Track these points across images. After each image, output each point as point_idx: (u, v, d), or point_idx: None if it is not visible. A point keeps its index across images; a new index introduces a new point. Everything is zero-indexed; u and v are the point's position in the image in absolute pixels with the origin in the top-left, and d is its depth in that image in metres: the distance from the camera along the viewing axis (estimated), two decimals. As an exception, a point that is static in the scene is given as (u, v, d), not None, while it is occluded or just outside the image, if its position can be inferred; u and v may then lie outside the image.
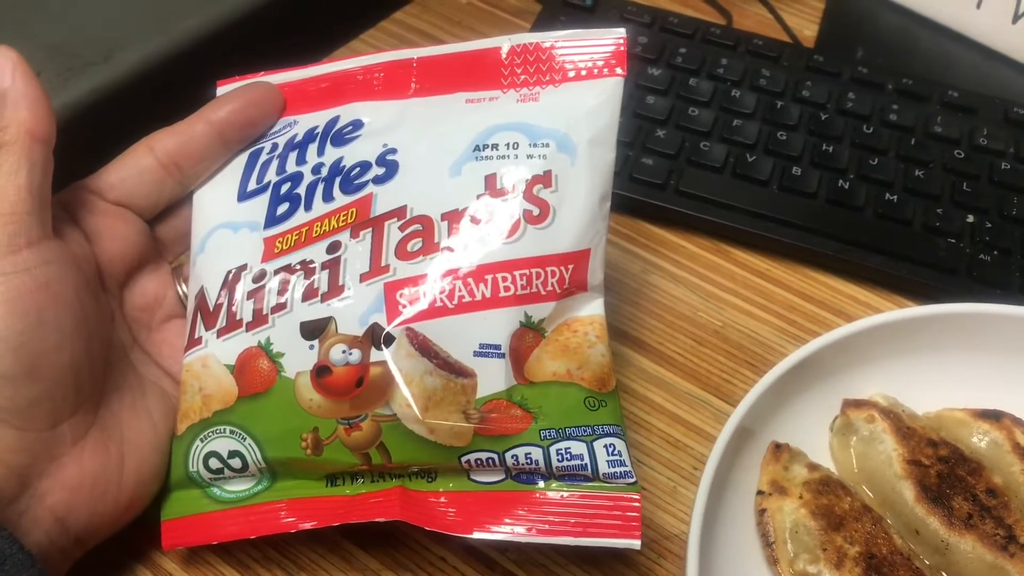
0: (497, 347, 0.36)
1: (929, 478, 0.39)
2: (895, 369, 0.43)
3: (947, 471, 0.39)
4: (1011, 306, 0.43)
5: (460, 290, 0.36)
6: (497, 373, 0.36)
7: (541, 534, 0.35)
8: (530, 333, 0.36)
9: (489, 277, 0.36)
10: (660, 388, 0.45)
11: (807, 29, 0.64)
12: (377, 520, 0.36)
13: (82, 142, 0.55)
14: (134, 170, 0.39)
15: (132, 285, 0.40)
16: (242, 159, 0.41)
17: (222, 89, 0.42)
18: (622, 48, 0.39)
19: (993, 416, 0.41)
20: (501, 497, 0.35)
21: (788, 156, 0.53)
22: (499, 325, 0.36)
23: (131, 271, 0.40)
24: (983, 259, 0.49)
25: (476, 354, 0.36)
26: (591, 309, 0.38)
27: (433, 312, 0.36)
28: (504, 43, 0.40)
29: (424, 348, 0.35)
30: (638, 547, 0.34)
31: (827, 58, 0.58)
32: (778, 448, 0.40)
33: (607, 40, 0.39)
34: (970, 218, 0.50)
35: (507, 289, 0.36)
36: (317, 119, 0.41)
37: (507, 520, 0.35)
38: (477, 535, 0.35)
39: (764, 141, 0.53)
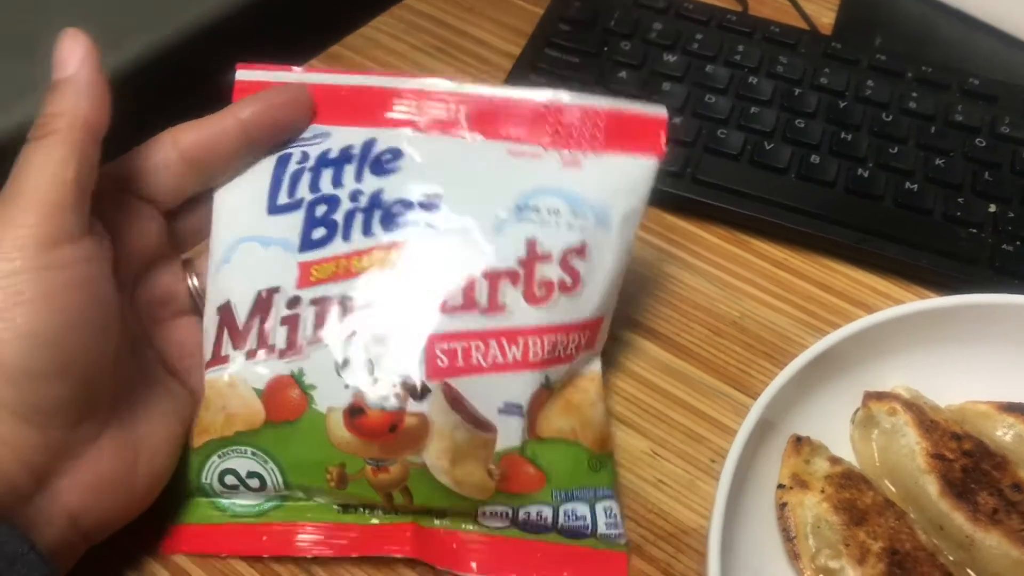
0: (519, 406, 0.37)
1: (953, 472, 0.38)
2: (917, 361, 0.42)
3: (971, 465, 0.38)
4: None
5: (495, 350, 0.37)
6: (515, 430, 0.37)
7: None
8: (546, 392, 0.38)
9: (522, 340, 0.37)
10: (677, 379, 0.44)
11: (824, 16, 0.63)
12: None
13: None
14: (158, 163, 0.38)
15: (146, 280, 0.39)
16: (269, 163, 0.40)
17: (242, 73, 0.41)
18: (662, 129, 0.40)
19: (1018, 409, 0.40)
20: (509, 542, 0.38)
21: (806, 144, 0.52)
22: (524, 386, 0.37)
23: (147, 265, 0.39)
24: (1006, 249, 0.48)
25: (500, 411, 0.37)
26: (591, 367, 0.40)
27: (469, 369, 0.37)
28: (550, 96, 0.40)
29: (455, 402, 0.37)
30: None
31: (845, 45, 0.57)
32: (799, 441, 0.39)
33: (649, 117, 0.40)
34: (992, 207, 0.50)
35: (536, 354, 0.37)
36: (352, 137, 0.40)
37: (512, 563, 0.37)
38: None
39: (782, 129, 0.53)
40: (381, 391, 0.36)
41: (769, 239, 0.50)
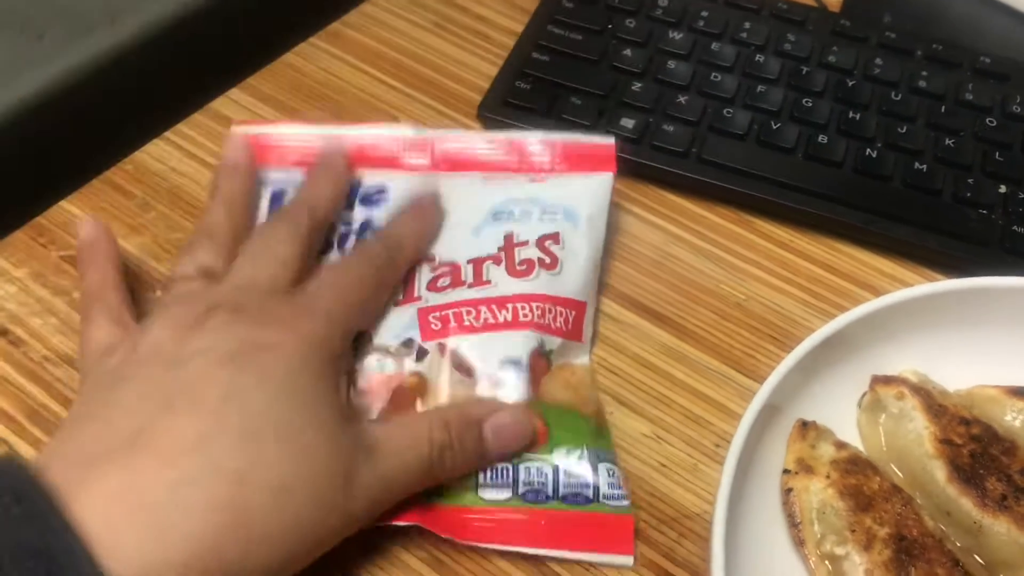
0: (518, 361, 0.40)
1: (961, 458, 0.37)
2: (925, 344, 0.41)
3: (980, 450, 0.37)
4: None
5: (485, 313, 0.41)
6: (519, 384, 0.39)
7: (543, 546, 0.37)
8: (543, 359, 0.41)
9: (510, 305, 0.41)
10: (681, 363, 0.44)
11: (833, -7, 0.62)
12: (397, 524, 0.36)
13: (89, 108, 0.54)
14: None
15: None
16: (265, 198, 0.44)
17: (236, 129, 0.45)
18: (612, 152, 0.46)
19: (1026, 394, 0.40)
20: (511, 512, 0.37)
21: (814, 124, 0.51)
22: (520, 343, 0.40)
23: None
24: (1016, 231, 0.47)
25: (501, 366, 0.40)
26: (583, 360, 0.43)
27: (462, 330, 0.40)
28: (518, 136, 0.46)
29: (454, 360, 0.40)
30: (631, 564, 0.37)
31: (854, 22, 0.56)
32: (805, 426, 0.39)
33: (601, 145, 0.46)
34: (1003, 188, 0.49)
35: (526, 316, 0.41)
36: None
37: (516, 533, 0.37)
38: (484, 545, 0.37)
39: (789, 108, 0.52)
40: (379, 356, 0.40)
41: (775, 220, 0.49)
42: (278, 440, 0.31)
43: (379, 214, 0.44)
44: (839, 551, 0.35)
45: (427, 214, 0.43)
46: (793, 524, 0.36)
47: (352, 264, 0.40)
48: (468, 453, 0.36)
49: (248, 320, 0.34)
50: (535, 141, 0.46)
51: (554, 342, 0.41)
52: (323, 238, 0.42)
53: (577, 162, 0.46)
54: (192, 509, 0.29)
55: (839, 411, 0.40)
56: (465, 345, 0.40)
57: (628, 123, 0.51)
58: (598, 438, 0.39)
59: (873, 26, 0.56)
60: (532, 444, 0.38)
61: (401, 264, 0.42)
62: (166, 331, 0.34)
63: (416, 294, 0.42)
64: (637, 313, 0.45)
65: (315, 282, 0.38)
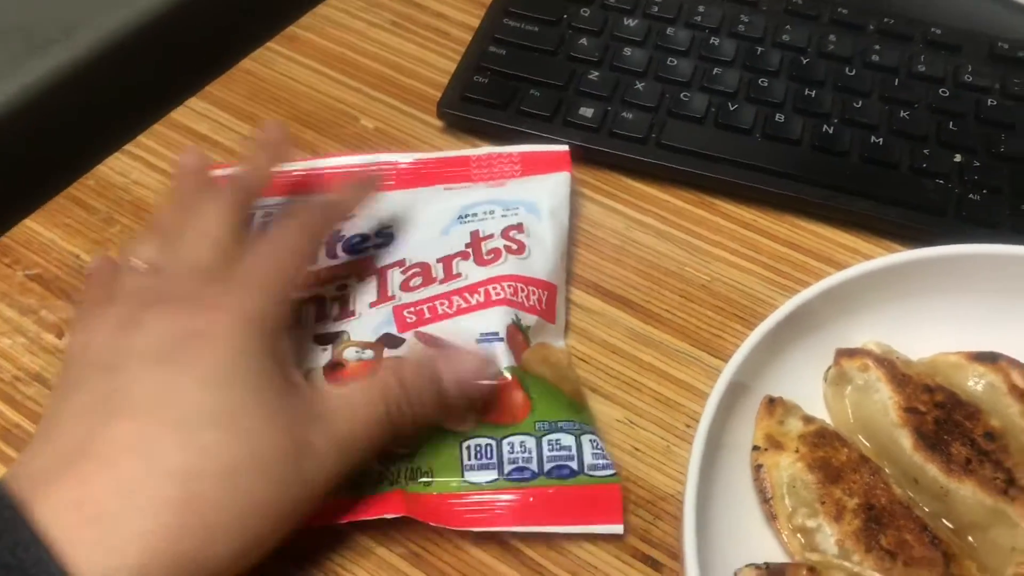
0: (496, 334, 0.40)
1: (926, 425, 0.38)
2: (888, 315, 0.42)
3: (944, 417, 0.38)
4: (1002, 245, 0.42)
5: (458, 301, 0.42)
6: (500, 353, 0.40)
7: (533, 524, 0.37)
8: (520, 334, 0.41)
9: (482, 289, 0.42)
10: (649, 347, 0.44)
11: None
12: (384, 516, 0.36)
13: (48, 124, 0.54)
14: None
15: None
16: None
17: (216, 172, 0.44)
18: (566, 155, 0.48)
19: (989, 358, 0.40)
20: (498, 493, 0.37)
21: (770, 103, 0.52)
22: (495, 318, 0.41)
23: None
24: (972, 199, 0.48)
25: (479, 341, 0.40)
26: (559, 343, 0.43)
27: (436, 318, 0.41)
28: (474, 152, 0.48)
29: (431, 342, 0.40)
30: (621, 532, 0.37)
31: (806, 1, 0.57)
32: (772, 402, 0.39)
33: (556, 151, 0.48)
34: (957, 158, 0.49)
35: (498, 295, 0.41)
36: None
37: (503, 515, 0.37)
38: (475, 529, 0.37)
39: (745, 89, 0.52)
40: (357, 347, 0.41)
41: (737, 200, 0.50)
42: (217, 427, 0.32)
43: (349, 226, 0.45)
44: (811, 523, 0.36)
45: (355, 183, 0.44)
46: (764, 500, 0.37)
47: (286, 233, 0.39)
48: (426, 402, 0.37)
49: (181, 309, 0.35)
50: (493, 155, 0.48)
51: (530, 319, 0.42)
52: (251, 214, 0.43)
53: (533, 167, 0.47)
54: (142, 511, 0.29)
55: (806, 386, 0.40)
56: (440, 329, 0.41)
57: (587, 112, 0.51)
58: (580, 412, 0.40)
59: (825, 3, 0.57)
60: (515, 415, 0.39)
61: (333, 220, 0.42)
62: (104, 336, 0.34)
63: (390, 294, 0.43)
64: (604, 300, 0.46)
65: (250, 256, 0.38)
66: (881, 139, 0.50)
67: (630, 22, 0.55)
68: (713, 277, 0.47)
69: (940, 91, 0.52)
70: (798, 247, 0.48)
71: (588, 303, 0.45)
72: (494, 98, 0.52)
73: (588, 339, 0.44)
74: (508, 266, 0.43)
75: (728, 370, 0.37)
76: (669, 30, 0.55)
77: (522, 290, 0.42)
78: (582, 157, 0.49)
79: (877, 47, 0.54)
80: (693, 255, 0.48)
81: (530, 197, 0.46)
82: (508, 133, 0.51)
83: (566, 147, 0.48)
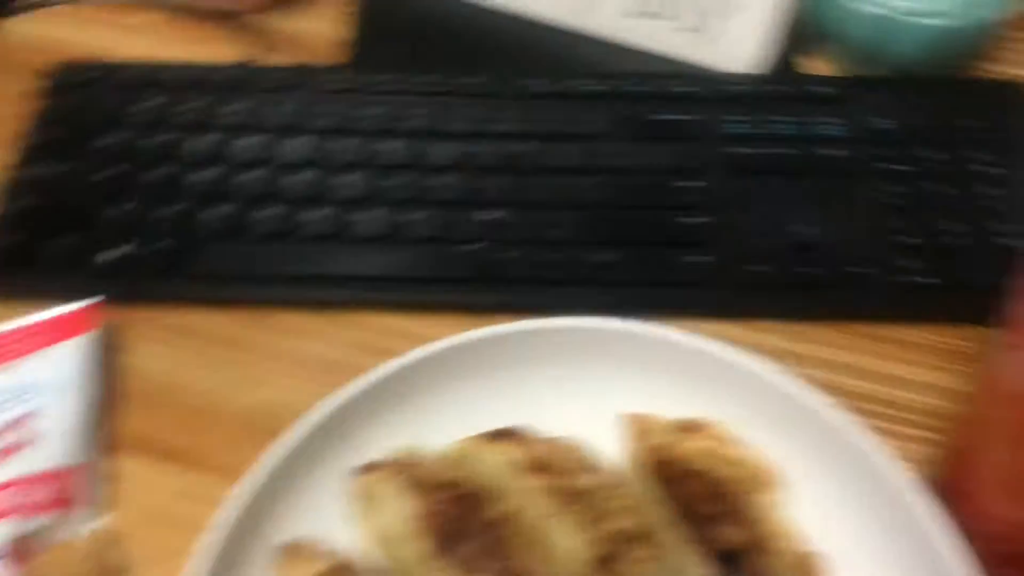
0: None
1: (447, 525, 0.37)
2: (409, 414, 0.41)
3: (458, 513, 0.37)
4: (508, 325, 0.43)
5: None
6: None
7: None
8: (28, 542, 0.39)
9: None
10: (198, 501, 0.41)
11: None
12: None
13: None
14: None
15: None
16: None
17: None
18: (94, 311, 0.46)
19: (506, 435, 0.40)
20: None
21: (291, 202, 0.50)
22: None
23: None
24: (504, 256, 0.48)
25: None
26: (86, 529, 0.41)
27: None
28: None
29: None
30: None
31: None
32: (288, 549, 0.38)
33: (80, 309, 0.46)
34: (485, 216, 0.49)
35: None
36: None
37: None
38: None
39: (271, 193, 0.51)
40: None
41: (292, 310, 0.48)
42: None
43: None
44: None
45: None
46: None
47: None
48: None
49: None
50: (16, 331, 0.45)
51: (41, 521, 0.39)
52: None
53: (56, 333, 0.45)
54: None
55: (336, 511, 0.39)
56: None
57: (113, 255, 0.48)
58: None
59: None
60: None
61: None
62: None
63: None
64: (149, 458, 0.43)
65: None
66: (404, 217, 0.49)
67: (151, 141, 0.52)
68: (263, 401, 0.45)
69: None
70: (357, 346, 0.47)
71: (130, 468, 0.43)
72: (18, 259, 0.49)
73: (132, 509, 0.42)
74: (11, 469, 0.40)
75: (223, 523, 0.36)
76: (186, 144, 0.53)
77: (29, 492, 0.40)
78: (121, 301, 0.47)
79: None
80: (242, 382, 0.46)
81: (47, 374, 0.44)
82: (40, 295, 0.47)
83: (96, 300, 0.46)
